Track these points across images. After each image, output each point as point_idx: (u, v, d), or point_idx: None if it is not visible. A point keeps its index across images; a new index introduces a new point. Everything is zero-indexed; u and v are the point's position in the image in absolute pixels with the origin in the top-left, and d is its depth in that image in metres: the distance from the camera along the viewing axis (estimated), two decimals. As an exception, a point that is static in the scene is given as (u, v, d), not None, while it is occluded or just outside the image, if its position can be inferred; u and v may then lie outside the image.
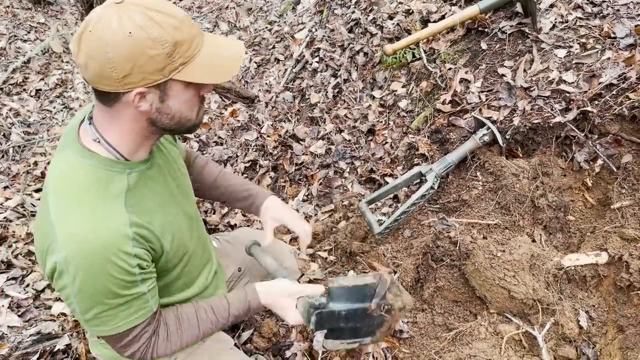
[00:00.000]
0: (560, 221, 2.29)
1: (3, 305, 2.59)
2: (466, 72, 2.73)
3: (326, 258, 2.76)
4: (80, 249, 1.24)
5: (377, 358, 2.25)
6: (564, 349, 2.04)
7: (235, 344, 2.13)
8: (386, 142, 3.00)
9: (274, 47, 4.22)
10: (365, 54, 3.46)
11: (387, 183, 2.87)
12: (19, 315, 2.57)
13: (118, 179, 1.33)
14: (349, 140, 3.18)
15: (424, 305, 2.32)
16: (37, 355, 2.32)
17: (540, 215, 2.29)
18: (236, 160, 3.46)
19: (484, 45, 2.78)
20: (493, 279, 2.08)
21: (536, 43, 2.61)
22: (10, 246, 2.98)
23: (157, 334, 1.48)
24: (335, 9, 3.93)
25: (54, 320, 2.56)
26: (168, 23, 1.16)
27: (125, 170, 1.34)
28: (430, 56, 3.04)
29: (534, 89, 2.47)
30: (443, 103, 2.74)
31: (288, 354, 2.35)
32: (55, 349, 2.38)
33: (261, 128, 3.61)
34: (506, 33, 2.73)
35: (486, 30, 2.82)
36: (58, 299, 2.67)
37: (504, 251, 2.11)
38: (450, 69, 2.84)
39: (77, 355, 2.39)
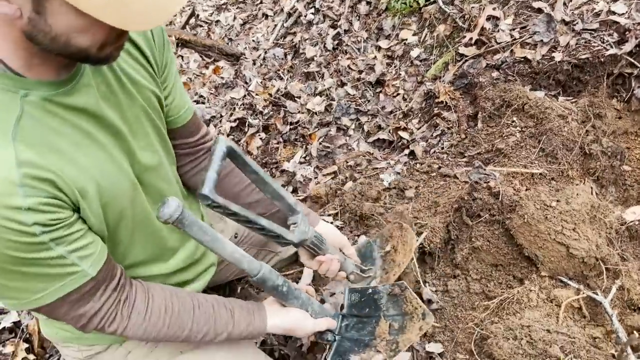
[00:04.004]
0: (615, 171, 1.95)
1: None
2: (494, 9, 2.38)
3: (332, 223, 2.36)
4: None
5: (401, 334, 1.86)
6: (633, 317, 1.69)
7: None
8: (397, 94, 2.62)
9: (261, 2, 3.81)
10: (369, 2, 3.08)
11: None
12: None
13: (6, 100, 0.91)
14: (353, 95, 2.79)
15: (455, 270, 1.94)
16: (-26, 333, 1.86)
17: (593, 163, 1.94)
18: (220, 120, 3.03)
19: (513, -21, 2.43)
20: (548, 233, 1.71)
21: (576, -27, 2.27)
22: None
23: (129, 303, 1.17)
24: (331, -41, 3.54)
25: (1, 296, 2.09)
26: None
27: (17, 90, 0.91)
28: (447, -1, 2.68)
29: (577, 23, 2.12)
30: (467, 45, 2.38)
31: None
32: (0, 327, 1.92)
33: (249, 85, 3.19)
34: (539, -36, 2.39)
35: (515, -37, 2.48)
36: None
37: (558, 201, 1.75)
38: (473, 7, 2.47)
39: (27, 335, 1.93)
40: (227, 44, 3.70)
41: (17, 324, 1.97)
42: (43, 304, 1.01)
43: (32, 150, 0.90)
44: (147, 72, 1.20)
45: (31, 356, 1.89)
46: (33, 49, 0.89)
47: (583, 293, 1.70)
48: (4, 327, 1.93)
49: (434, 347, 1.79)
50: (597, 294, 1.70)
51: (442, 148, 2.28)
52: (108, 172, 1.06)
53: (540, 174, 1.94)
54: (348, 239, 2.20)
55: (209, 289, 1.96)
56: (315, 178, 2.62)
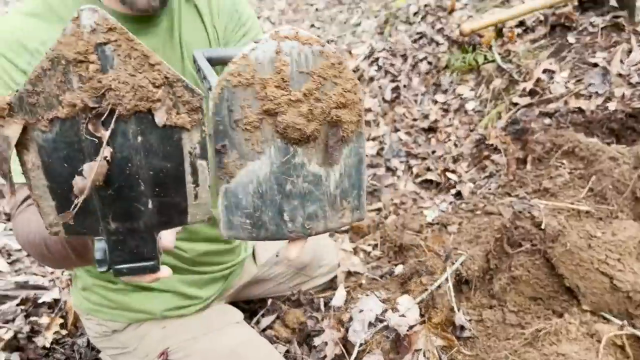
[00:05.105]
0: (668, 219, 1.88)
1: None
2: (550, 64, 2.45)
3: (369, 252, 2.35)
4: None
5: (429, 358, 1.78)
6: (683, 364, 1.56)
7: (254, 331, 1.75)
8: (449, 140, 2.67)
9: (328, 62, 4.04)
10: (429, 62, 3.22)
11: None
12: (8, 263, 2.21)
13: (72, 7, 1.04)
14: (405, 140, 2.86)
15: (492, 301, 1.87)
16: (17, 301, 1.93)
17: (644, 208, 1.89)
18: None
19: (571, 39, 2.51)
20: (591, 262, 1.64)
21: (635, 35, 2.33)
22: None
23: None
24: (398, 26, 3.78)
25: (44, 276, 2.18)
26: None
27: None
28: (505, 57, 2.78)
29: (633, 76, 2.15)
30: (522, 95, 2.43)
31: (317, 341, 1.90)
32: (40, 301, 1.99)
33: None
34: (597, 26, 2.47)
35: (573, 25, 2.57)
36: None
37: (604, 232, 1.70)
38: (530, 62, 2.56)
39: (64, 312, 1.99)
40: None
41: (56, 302, 2.04)
42: None
43: None
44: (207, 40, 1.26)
45: (64, 331, 1.93)
46: None
47: (627, 330, 1.60)
48: (44, 302, 2.00)
49: (463, 374, 1.70)
50: (642, 333, 1.59)
51: (489, 189, 2.28)
52: None
53: (587, 211, 1.89)
54: (384, 269, 2.20)
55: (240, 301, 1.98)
56: (360, 213, 2.65)
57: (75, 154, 0.58)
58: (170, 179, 0.63)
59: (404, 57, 3.40)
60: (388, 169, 2.76)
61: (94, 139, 0.57)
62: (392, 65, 3.35)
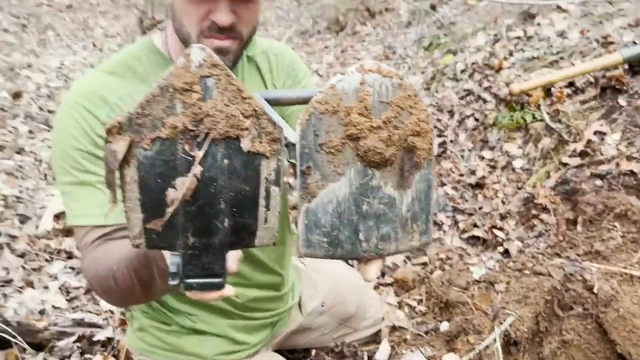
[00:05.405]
0: None
1: (50, 286, 2.35)
2: (601, 125, 2.46)
3: (414, 307, 2.34)
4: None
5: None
6: None
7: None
8: (496, 197, 2.68)
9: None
10: (476, 119, 3.27)
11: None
12: (67, 300, 2.31)
13: (148, 68, 1.17)
14: (452, 195, 2.89)
15: (542, 364, 1.84)
16: (74, 337, 2.01)
17: (702, 276, 1.84)
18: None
19: (622, 102, 2.52)
20: (646, 330, 1.61)
21: (689, 100, 2.33)
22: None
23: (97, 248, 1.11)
24: (444, 82, 3.86)
25: (99, 314, 2.27)
26: None
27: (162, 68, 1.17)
28: (554, 117, 2.80)
29: (688, 141, 2.14)
30: (572, 155, 2.44)
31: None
32: (95, 339, 2.07)
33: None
34: (650, 90, 2.48)
35: (624, 88, 2.58)
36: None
37: (660, 300, 1.67)
38: (580, 122, 2.57)
39: (116, 351, 2.06)
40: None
41: (109, 340, 2.11)
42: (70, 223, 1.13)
43: None
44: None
45: (115, 369, 2.00)
46: (179, 45, 1.14)
47: (686, 404, 1.54)
48: (98, 340, 2.07)
49: None
50: (702, 408, 1.53)
51: (538, 249, 2.26)
52: None
53: (642, 277, 1.86)
54: (430, 325, 2.19)
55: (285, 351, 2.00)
56: (405, 265, 2.66)
57: (168, 171, 0.65)
58: (247, 201, 0.70)
59: (451, 113, 3.46)
60: (434, 223, 2.77)
61: (188, 158, 0.64)
62: (438, 120, 3.41)
